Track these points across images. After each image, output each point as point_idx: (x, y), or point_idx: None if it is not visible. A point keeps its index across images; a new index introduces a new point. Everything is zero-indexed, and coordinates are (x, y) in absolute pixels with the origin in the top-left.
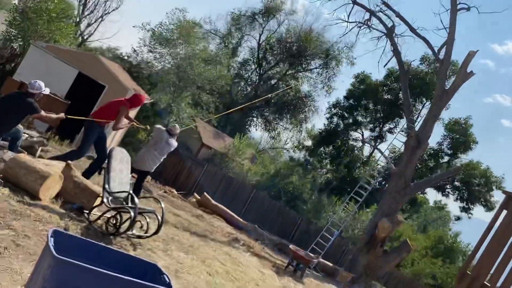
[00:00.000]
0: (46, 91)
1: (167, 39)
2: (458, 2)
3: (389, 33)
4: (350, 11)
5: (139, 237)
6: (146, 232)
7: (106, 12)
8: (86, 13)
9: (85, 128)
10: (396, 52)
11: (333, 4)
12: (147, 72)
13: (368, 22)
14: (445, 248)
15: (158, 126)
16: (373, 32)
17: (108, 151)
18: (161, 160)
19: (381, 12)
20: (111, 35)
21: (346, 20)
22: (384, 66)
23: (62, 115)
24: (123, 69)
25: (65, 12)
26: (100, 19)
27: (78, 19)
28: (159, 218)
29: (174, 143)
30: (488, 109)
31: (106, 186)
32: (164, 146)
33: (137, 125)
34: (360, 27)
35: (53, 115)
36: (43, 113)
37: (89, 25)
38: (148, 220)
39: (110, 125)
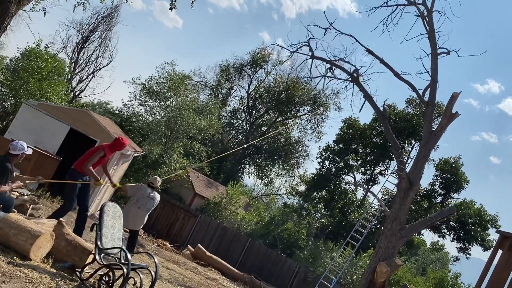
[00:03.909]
0: (29, 151)
1: (157, 92)
2: (438, 47)
3: (354, 78)
4: (311, 66)
5: None
6: None
7: (97, 68)
8: (77, 70)
9: (67, 180)
10: (367, 96)
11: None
12: (138, 125)
13: (330, 71)
14: None
15: (140, 184)
16: (341, 80)
17: (100, 207)
18: (146, 216)
19: (342, 60)
20: (102, 90)
21: (310, 76)
22: (360, 111)
23: (17, 183)
24: (114, 123)
25: (56, 70)
26: (91, 76)
27: (69, 76)
28: (153, 273)
29: (157, 196)
30: (477, 147)
31: (98, 242)
32: (147, 201)
33: (108, 184)
34: (325, 80)
35: (6, 187)
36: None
37: (80, 81)
38: (141, 276)
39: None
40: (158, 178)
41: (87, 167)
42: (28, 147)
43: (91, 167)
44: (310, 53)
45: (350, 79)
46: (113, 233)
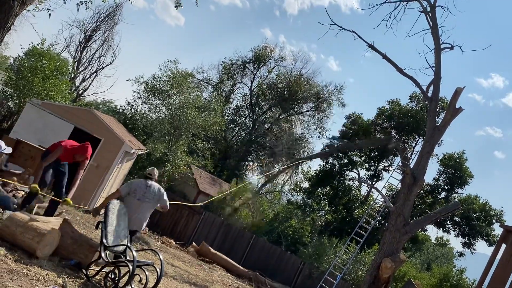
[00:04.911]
0: (7, 150)
1: (160, 90)
2: (441, 42)
3: (295, 164)
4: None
5: None
6: (145, 286)
7: (100, 67)
8: (80, 69)
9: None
10: (322, 155)
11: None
12: (142, 123)
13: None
14: (451, 286)
15: (130, 181)
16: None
17: (105, 205)
18: (152, 209)
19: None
20: (106, 89)
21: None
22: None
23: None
24: (118, 122)
25: (60, 69)
26: (94, 74)
27: (72, 75)
28: (158, 270)
29: (156, 185)
30: (481, 142)
31: (104, 240)
32: (146, 191)
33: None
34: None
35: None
36: None
37: (83, 80)
38: (146, 273)
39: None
40: (155, 168)
41: (47, 160)
42: (7, 146)
43: (50, 160)
44: None
45: (293, 167)
46: (118, 230)
